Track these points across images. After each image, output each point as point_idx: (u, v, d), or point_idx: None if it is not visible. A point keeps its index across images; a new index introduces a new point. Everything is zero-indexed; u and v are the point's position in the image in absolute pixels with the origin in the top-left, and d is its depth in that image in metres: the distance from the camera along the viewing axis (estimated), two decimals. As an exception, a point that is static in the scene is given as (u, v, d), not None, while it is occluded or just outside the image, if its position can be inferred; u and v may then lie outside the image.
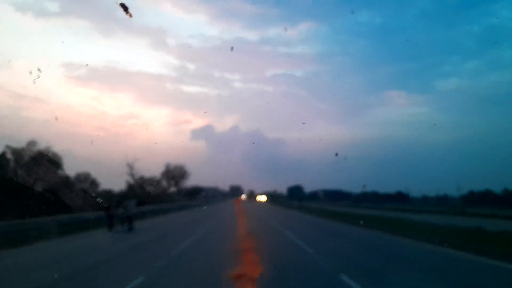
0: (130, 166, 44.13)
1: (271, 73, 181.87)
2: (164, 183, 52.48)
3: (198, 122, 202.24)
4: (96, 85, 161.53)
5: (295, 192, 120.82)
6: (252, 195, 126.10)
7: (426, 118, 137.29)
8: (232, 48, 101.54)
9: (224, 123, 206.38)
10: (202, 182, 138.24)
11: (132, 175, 44.16)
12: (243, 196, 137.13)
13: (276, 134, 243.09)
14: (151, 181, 46.38)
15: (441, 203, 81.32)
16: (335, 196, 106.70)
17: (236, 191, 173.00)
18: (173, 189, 54.36)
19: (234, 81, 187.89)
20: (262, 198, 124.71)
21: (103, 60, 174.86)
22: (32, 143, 31.10)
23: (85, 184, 38.53)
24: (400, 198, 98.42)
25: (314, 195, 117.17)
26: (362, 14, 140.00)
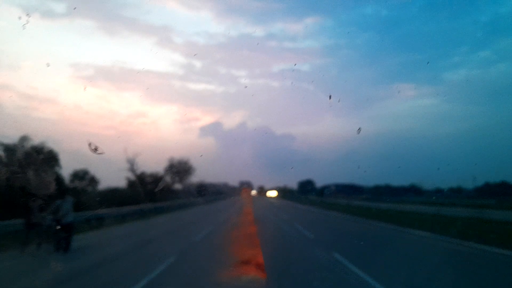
0: (131, 162, 41.95)
1: (277, 68, 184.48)
2: (168, 179, 50.09)
3: (206, 119, 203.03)
4: (104, 84, 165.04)
5: (306, 187, 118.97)
6: (262, 191, 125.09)
7: (436, 110, 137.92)
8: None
9: (232, 120, 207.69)
10: (211, 179, 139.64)
11: (133, 171, 41.94)
12: (253, 192, 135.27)
13: (285, 129, 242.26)
14: (153, 177, 44.09)
15: (455, 195, 79.80)
16: (347, 190, 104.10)
17: (246, 187, 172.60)
18: (178, 185, 51.98)
19: (240, 77, 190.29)
20: (273, 193, 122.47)
21: (110, 59, 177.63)
22: (24, 138, 28.97)
23: (83, 182, 36.40)
24: (413, 191, 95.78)
25: (326, 190, 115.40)
26: (368, 6, 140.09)
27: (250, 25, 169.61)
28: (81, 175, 36.63)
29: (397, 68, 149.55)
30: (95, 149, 8.07)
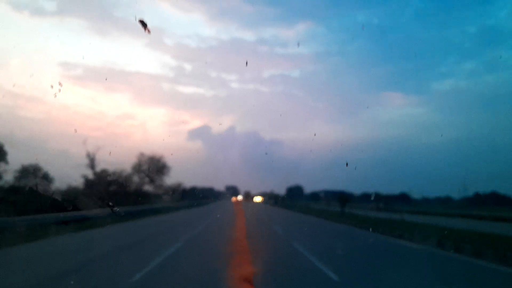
0: (91, 157, 35.35)
1: (268, 73, 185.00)
2: (137, 178, 43.40)
3: (195, 122, 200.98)
4: (93, 85, 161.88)
5: (295, 193, 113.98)
6: (248, 196, 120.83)
7: (423, 119, 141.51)
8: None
9: (221, 124, 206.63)
10: (197, 182, 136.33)
11: (92, 167, 35.36)
12: (240, 197, 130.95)
13: (273, 135, 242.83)
14: (117, 175, 37.32)
15: (443, 205, 78.73)
16: (336, 197, 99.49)
17: (232, 191, 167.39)
18: (149, 187, 44.69)
19: (231, 82, 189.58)
20: (257, 199, 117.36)
21: (100, 60, 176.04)
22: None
23: (33, 180, 30.16)
24: (403, 199, 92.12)
25: (315, 197, 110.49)
26: (359, 14, 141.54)
27: (241, 29, 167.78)
28: (31, 172, 30.35)
29: (386, 76, 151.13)
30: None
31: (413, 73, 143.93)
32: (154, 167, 43.03)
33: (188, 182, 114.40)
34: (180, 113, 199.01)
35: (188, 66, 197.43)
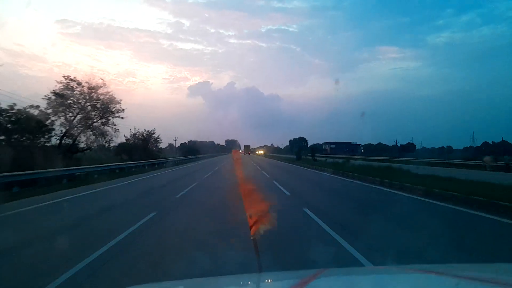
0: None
1: (265, 28, 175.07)
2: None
3: (195, 79, 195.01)
4: (92, 42, 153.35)
5: (299, 145, 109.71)
6: (248, 149, 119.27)
7: (419, 72, 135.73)
8: None
9: (221, 80, 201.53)
10: (199, 137, 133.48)
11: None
12: (240, 151, 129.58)
13: (272, 90, 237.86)
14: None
15: (445, 154, 78.52)
16: (342, 148, 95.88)
17: (233, 145, 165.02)
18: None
19: (229, 37, 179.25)
20: (259, 151, 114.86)
21: (98, 16, 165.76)
22: None
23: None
24: (408, 149, 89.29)
25: (319, 148, 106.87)
26: None
27: None
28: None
29: (381, 31, 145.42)
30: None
31: (408, 26, 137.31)
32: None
33: (190, 137, 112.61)
34: (179, 70, 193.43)
35: (186, 22, 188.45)
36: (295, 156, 51.51)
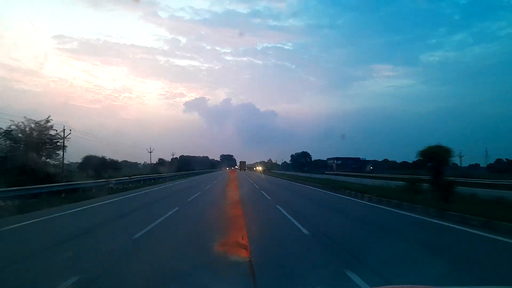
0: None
1: (261, 46, 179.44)
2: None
3: (191, 95, 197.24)
4: (88, 58, 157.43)
5: (301, 161, 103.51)
6: (243, 165, 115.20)
7: (412, 90, 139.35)
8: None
9: (217, 96, 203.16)
10: (194, 152, 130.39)
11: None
12: (234, 168, 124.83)
13: (268, 106, 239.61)
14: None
15: (463, 172, 75.95)
16: (349, 164, 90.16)
17: (228, 161, 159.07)
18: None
19: (225, 54, 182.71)
20: (258, 168, 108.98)
21: (94, 32, 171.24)
22: None
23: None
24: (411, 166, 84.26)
25: (323, 164, 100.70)
26: None
27: (235, 1, 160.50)
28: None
29: (376, 48, 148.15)
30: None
31: (402, 45, 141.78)
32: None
33: (185, 152, 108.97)
34: (175, 86, 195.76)
35: (182, 39, 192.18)
36: (300, 173, 45.91)
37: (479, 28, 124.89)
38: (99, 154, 35.63)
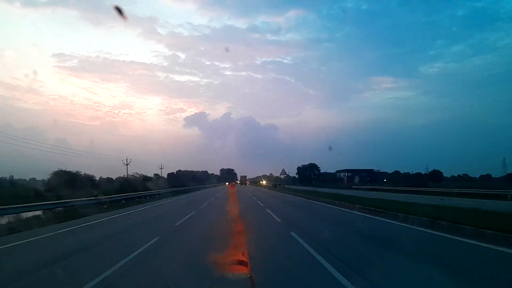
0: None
1: (260, 60, 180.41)
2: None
3: (191, 110, 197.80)
4: (88, 75, 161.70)
5: (308, 174, 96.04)
6: (244, 180, 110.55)
7: (412, 102, 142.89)
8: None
9: (217, 111, 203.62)
10: (194, 167, 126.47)
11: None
12: (235, 183, 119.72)
13: (268, 120, 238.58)
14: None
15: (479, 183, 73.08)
16: (362, 177, 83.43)
17: (228, 175, 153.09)
18: None
19: (224, 69, 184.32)
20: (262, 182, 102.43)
21: (94, 50, 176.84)
22: None
23: None
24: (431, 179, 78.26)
25: (333, 177, 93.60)
26: (348, 0, 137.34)
27: (233, 17, 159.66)
28: None
29: (375, 61, 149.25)
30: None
31: (401, 57, 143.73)
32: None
33: (185, 166, 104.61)
34: (175, 101, 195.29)
35: (182, 55, 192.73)
36: (321, 189, 39.27)
37: (477, 40, 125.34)
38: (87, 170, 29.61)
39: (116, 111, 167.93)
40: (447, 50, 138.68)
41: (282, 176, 78.60)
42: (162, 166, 79.73)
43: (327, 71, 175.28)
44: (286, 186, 65.71)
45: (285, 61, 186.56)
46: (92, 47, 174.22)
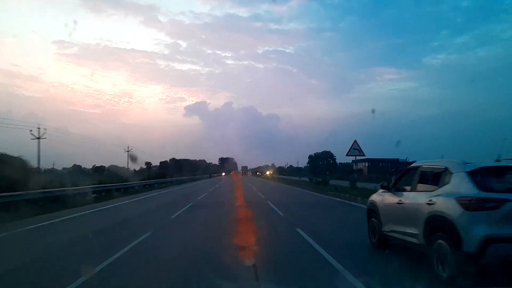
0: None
1: (262, 49, 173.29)
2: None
3: (192, 99, 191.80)
4: (89, 63, 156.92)
5: (320, 164, 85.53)
6: (245, 170, 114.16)
7: (415, 93, 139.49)
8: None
9: (218, 100, 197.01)
10: (194, 157, 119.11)
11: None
12: (237, 172, 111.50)
13: (270, 110, 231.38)
14: None
15: None
16: (385, 168, 73.81)
17: (227, 164, 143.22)
18: None
19: (226, 58, 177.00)
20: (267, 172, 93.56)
21: (94, 38, 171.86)
22: None
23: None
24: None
25: (348, 169, 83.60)
26: None
27: (235, 5, 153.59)
28: None
29: (378, 52, 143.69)
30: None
31: (404, 48, 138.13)
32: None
33: (186, 156, 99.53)
34: (176, 90, 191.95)
35: (183, 43, 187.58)
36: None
37: (481, 31, 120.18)
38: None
39: (116, 99, 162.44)
40: (451, 41, 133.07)
41: (287, 165, 69.33)
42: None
43: (330, 61, 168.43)
44: (286, 177, 57.45)
45: (287, 50, 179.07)
46: (92, 35, 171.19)
